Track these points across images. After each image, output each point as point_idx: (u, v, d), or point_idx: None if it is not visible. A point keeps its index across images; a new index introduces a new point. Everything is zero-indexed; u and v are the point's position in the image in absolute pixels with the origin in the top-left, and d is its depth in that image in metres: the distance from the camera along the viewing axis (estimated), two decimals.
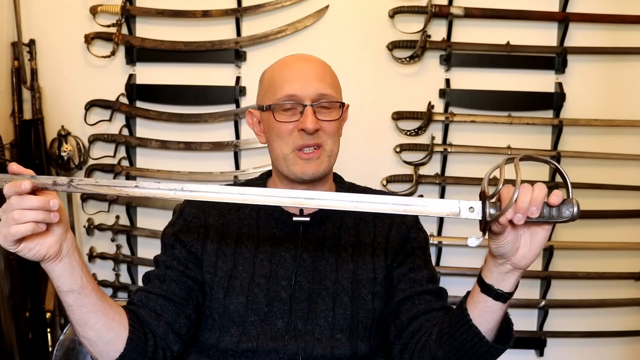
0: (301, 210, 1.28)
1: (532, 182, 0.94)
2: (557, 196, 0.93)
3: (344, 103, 1.28)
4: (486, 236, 0.97)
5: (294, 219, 1.27)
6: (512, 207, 0.91)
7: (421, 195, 2.42)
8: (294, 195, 1.01)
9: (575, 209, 0.92)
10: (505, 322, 1.07)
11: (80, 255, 1.06)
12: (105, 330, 1.09)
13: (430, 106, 2.38)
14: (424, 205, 0.98)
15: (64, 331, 1.53)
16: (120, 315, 1.12)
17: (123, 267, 2.51)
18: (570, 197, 0.94)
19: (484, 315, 1.04)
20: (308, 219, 1.26)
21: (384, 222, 1.31)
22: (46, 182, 0.98)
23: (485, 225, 0.95)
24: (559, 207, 0.93)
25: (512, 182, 0.92)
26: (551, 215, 0.93)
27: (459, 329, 1.06)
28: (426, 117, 2.37)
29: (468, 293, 1.09)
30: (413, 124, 2.41)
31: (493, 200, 0.94)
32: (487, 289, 1.03)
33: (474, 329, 1.04)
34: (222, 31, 2.42)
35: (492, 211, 0.94)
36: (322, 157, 1.24)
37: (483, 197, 0.96)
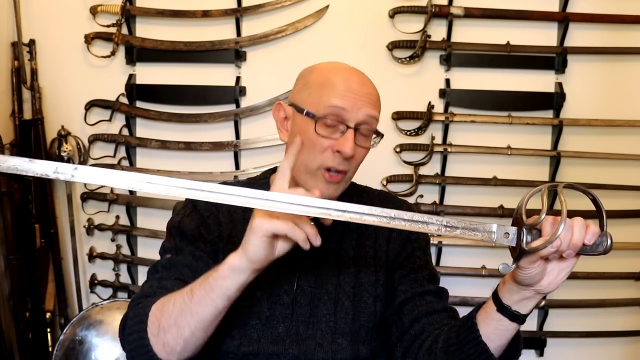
0: None
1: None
2: (592, 235, 0.92)
3: (382, 134, 1.25)
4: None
5: None
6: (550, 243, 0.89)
7: (421, 196, 2.42)
8: (325, 206, 0.94)
9: (609, 242, 0.92)
10: (515, 337, 1.06)
11: None
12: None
13: (430, 106, 2.38)
14: (460, 228, 0.94)
15: (64, 331, 1.53)
16: None
17: (123, 267, 2.51)
18: (605, 230, 0.93)
19: (497, 333, 1.03)
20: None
21: None
22: (48, 168, 0.88)
23: (520, 253, 0.92)
24: None
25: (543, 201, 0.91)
26: (584, 249, 0.93)
27: (467, 344, 1.05)
28: (426, 117, 2.37)
29: (479, 306, 1.07)
30: (413, 124, 2.41)
31: (529, 228, 0.92)
32: (503, 310, 1.01)
33: (483, 346, 1.03)
34: (222, 31, 2.42)
35: (529, 238, 0.92)
36: (341, 183, 1.22)
37: (519, 223, 0.93)
